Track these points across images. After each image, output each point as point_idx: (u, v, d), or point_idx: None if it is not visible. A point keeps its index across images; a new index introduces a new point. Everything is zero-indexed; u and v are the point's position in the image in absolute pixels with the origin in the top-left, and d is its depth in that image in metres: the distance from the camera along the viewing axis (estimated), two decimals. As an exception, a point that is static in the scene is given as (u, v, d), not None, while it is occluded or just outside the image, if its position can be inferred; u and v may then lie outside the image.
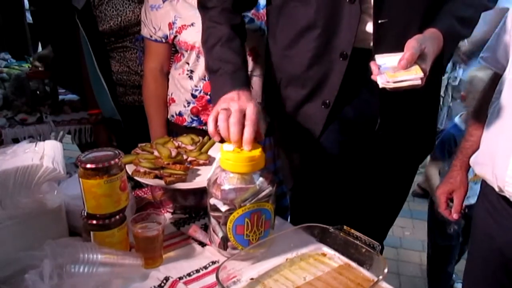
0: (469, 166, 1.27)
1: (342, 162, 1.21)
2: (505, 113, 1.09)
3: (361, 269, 0.91)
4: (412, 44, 0.92)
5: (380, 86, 0.93)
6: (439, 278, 2.37)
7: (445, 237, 2.22)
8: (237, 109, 0.91)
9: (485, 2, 1.10)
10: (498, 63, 1.19)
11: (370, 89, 1.01)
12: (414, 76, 0.91)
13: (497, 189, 1.11)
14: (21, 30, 3.47)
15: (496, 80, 1.19)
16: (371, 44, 1.05)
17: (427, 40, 0.96)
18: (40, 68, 2.17)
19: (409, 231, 2.90)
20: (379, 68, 0.94)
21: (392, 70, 0.93)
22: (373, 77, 0.95)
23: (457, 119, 2.16)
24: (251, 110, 0.91)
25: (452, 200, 1.33)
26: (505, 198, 1.11)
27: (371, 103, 1.11)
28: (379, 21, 1.02)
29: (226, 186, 0.91)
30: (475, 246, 1.29)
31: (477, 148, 1.21)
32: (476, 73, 2.06)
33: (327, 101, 1.12)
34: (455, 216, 1.32)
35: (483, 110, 1.23)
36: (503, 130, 1.09)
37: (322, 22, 1.05)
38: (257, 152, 0.91)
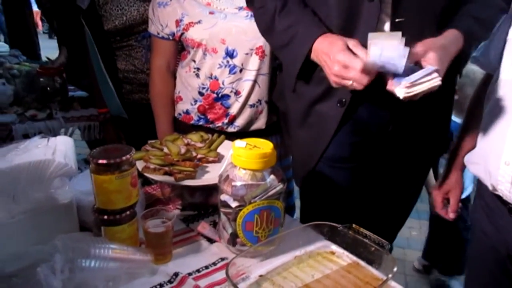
0: (464, 166, 1.27)
1: (353, 163, 1.21)
2: (497, 113, 1.09)
3: (369, 267, 0.91)
4: (417, 48, 0.93)
5: (401, 97, 0.91)
6: (456, 264, 2.37)
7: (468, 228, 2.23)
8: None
9: (503, 4, 1.09)
10: (490, 64, 1.18)
11: (384, 89, 1.01)
12: (428, 77, 0.90)
13: (490, 188, 1.11)
14: (26, 30, 3.51)
15: (487, 80, 1.19)
16: None
17: (446, 42, 0.96)
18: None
19: (416, 231, 2.90)
20: (392, 78, 0.93)
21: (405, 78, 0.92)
22: (389, 88, 0.94)
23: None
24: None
25: (448, 200, 1.34)
26: (498, 197, 1.11)
27: (384, 103, 1.11)
28: (396, 20, 1.01)
29: (237, 182, 0.92)
30: (473, 244, 1.30)
31: (471, 147, 1.21)
32: (470, 66, 2.04)
33: (343, 99, 1.11)
34: (451, 215, 1.32)
35: (475, 110, 1.23)
36: (495, 130, 1.09)
37: (340, 20, 1.04)
38: (269, 149, 0.92)
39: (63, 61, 2.42)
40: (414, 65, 0.94)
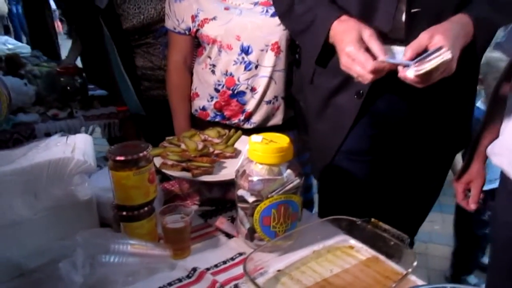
0: (486, 156, 1.23)
1: (373, 156, 1.19)
2: None
3: (389, 262, 0.89)
4: (421, 35, 0.91)
5: (412, 76, 0.89)
6: (467, 264, 2.38)
7: (482, 225, 2.20)
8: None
9: None
10: None
11: (403, 81, 0.99)
12: (437, 53, 0.87)
13: None
14: (47, 31, 3.57)
15: None
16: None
17: (452, 25, 0.93)
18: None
19: (438, 225, 2.85)
20: (404, 67, 0.91)
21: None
22: (400, 74, 0.92)
23: (479, 104, 2.13)
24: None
25: (470, 190, 1.30)
26: None
27: (403, 95, 1.09)
28: (412, 10, 0.99)
29: (253, 177, 0.91)
30: (496, 235, 1.26)
31: (494, 137, 1.18)
32: (491, 54, 2.00)
33: (361, 91, 1.09)
34: (472, 206, 1.29)
35: (499, 99, 1.20)
36: None
37: (358, 10, 1.02)
38: (285, 143, 0.91)
39: (69, 62, 2.46)
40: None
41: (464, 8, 0.99)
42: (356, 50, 0.92)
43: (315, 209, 1.75)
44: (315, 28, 1.05)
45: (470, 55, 0.96)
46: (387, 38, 1.00)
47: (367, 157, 1.19)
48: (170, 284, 0.87)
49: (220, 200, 1.15)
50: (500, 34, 1.24)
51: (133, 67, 1.90)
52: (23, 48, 3.25)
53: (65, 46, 4.61)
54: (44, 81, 2.13)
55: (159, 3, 1.78)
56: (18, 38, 7.02)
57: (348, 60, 0.94)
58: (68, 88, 2.07)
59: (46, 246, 0.86)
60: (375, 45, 0.92)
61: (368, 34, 0.94)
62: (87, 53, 2.57)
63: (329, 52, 1.04)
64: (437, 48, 0.88)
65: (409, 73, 0.89)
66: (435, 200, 1.37)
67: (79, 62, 2.68)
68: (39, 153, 0.93)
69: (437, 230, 2.81)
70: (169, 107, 1.62)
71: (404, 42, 0.96)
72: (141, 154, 0.88)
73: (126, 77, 1.88)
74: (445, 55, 0.86)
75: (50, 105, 2.05)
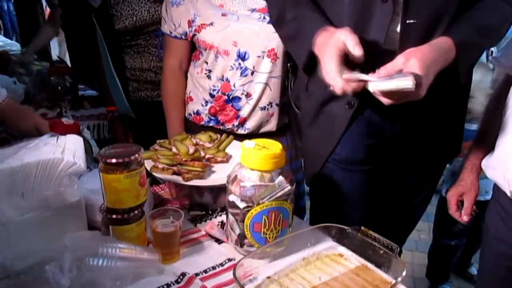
0: (480, 169, 1.25)
1: (367, 165, 1.19)
2: None
3: (378, 270, 0.90)
4: (398, 58, 0.93)
5: (371, 90, 0.92)
6: (438, 272, 2.41)
7: (449, 235, 2.24)
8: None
9: None
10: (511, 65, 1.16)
11: None
12: (402, 78, 0.88)
13: (509, 194, 1.10)
14: (38, 29, 3.55)
15: (508, 82, 1.17)
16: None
17: (432, 48, 0.95)
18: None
19: (425, 234, 2.87)
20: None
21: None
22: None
23: None
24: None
25: (462, 203, 1.31)
26: None
27: (397, 107, 1.10)
28: (407, 22, 0.99)
29: (245, 183, 0.91)
30: (486, 250, 1.28)
31: (488, 150, 1.19)
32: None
33: (352, 102, 1.10)
34: (465, 218, 1.30)
35: (494, 112, 1.21)
36: None
37: (352, 20, 1.02)
38: (278, 150, 0.91)
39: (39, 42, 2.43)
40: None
41: (450, 30, 1.00)
42: (334, 73, 0.94)
43: (307, 216, 1.75)
44: (301, 38, 1.06)
45: (454, 75, 0.97)
46: (380, 49, 1.02)
47: (362, 166, 1.19)
48: (158, 288, 0.87)
49: (211, 205, 1.15)
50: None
51: (123, 67, 1.89)
52: (13, 45, 3.22)
53: (55, 46, 4.58)
54: (34, 80, 2.11)
55: (152, 6, 1.78)
56: (8, 35, 6.93)
57: (327, 77, 0.96)
58: (59, 87, 2.06)
59: (33, 248, 0.85)
60: (358, 51, 0.93)
61: (353, 43, 0.93)
62: (78, 51, 2.55)
63: (316, 60, 1.05)
64: (404, 74, 0.89)
65: (369, 87, 0.92)
66: (424, 209, 1.38)
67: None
68: (29, 153, 0.92)
69: (423, 239, 2.83)
70: (157, 109, 1.61)
71: (397, 53, 0.97)
72: (132, 157, 0.88)
73: (116, 77, 1.87)
74: (405, 83, 0.87)
75: (39, 105, 2.03)
